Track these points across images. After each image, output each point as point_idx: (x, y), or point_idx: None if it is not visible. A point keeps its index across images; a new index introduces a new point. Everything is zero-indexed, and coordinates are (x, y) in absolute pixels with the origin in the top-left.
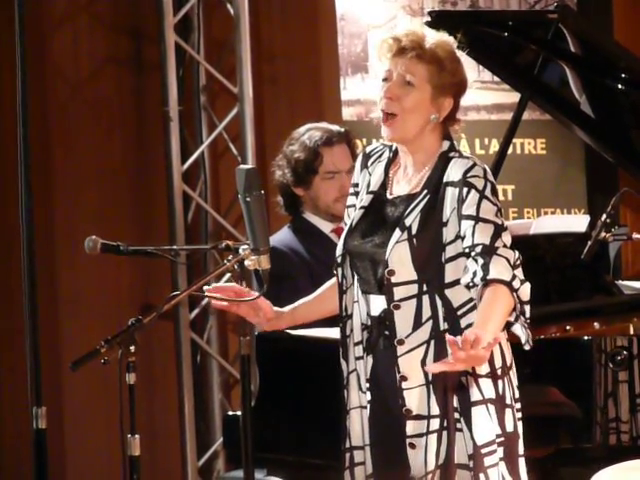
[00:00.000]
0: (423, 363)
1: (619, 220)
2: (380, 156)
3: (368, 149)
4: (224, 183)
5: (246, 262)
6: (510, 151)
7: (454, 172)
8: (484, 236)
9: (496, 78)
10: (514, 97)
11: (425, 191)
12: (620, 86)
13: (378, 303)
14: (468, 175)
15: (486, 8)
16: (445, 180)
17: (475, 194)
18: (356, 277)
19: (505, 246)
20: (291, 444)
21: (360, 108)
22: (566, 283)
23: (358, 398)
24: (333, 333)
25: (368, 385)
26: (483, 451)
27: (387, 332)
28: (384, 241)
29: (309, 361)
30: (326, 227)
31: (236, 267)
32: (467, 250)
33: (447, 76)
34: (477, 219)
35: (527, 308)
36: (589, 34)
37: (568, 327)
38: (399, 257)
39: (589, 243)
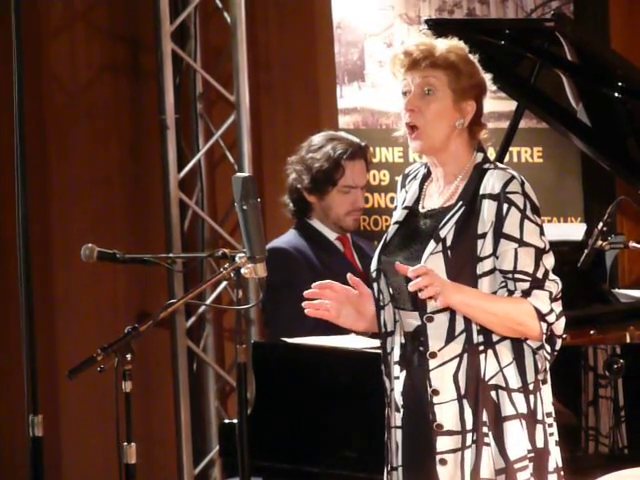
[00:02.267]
0: (455, 377)
1: (616, 228)
2: (416, 174)
3: (407, 170)
4: (220, 191)
5: (242, 270)
6: (507, 159)
7: (491, 184)
8: (527, 263)
9: (493, 86)
10: (511, 105)
11: (460, 203)
12: (617, 94)
13: (412, 319)
14: (507, 190)
15: (483, 16)
16: (482, 192)
17: (516, 213)
18: (391, 292)
19: (547, 275)
20: (287, 452)
21: (357, 116)
22: (562, 291)
23: (394, 418)
24: (328, 342)
25: (402, 403)
26: (516, 466)
27: (421, 348)
28: (418, 254)
29: (305, 369)
30: (331, 235)
31: (232, 275)
32: (509, 275)
33: (465, 79)
34: (520, 242)
35: (558, 341)
36: (586, 42)
37: (565, 335)
38: (433, 268)
39: (586, 251)
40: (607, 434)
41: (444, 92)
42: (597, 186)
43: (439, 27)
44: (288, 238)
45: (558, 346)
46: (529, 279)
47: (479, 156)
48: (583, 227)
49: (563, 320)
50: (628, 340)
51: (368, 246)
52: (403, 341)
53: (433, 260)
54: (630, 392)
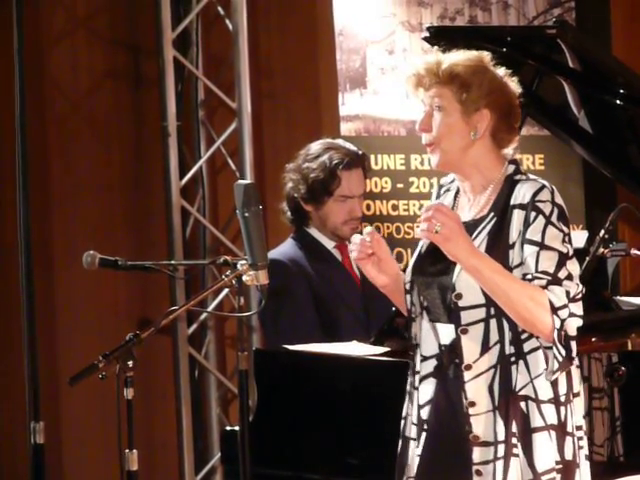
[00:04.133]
0: (491, 388)
1: (617, 236)
2: (450, 187)
3: (442, 180)
4: (222, 198)
5: (244, 277)
6: None
7: (522, 195)
8: (548, 265)
9: None
10: None
11: (492, 214)
12: (618, 102)
13: (447, 331)
14: (536, 199)
15: (485, 24)
16: (512, 203)
17: (541, 219)
18: (424, 304)
19: (569, 277)
20: (289, 459)
21: (359, 123)
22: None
23: (412, 429)
24: (330, 349)
25: (429, 414)
26: (543, 478)
27: (457, 360)
28: (451, 266)
29: (307, 376)
30: (329, 244)
31: (234, 282)
32: (529, 277)
33: (474, 89)
34: (541, 246)
35: (573, 344)
36: (587, 50)
37: None
38: (466, 280)
39: (587, 259)
40: (608, 442)
41: (452, 107)
42: (599, 193)
43: (441, 34)
44: (284, 249)
45: (574, 352)
46: (548, 277)
47: (510, 168)
48: (585, 234)
49: (577, 321)
50: (630, 348)
51: None
52: (435, 352)
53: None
54: (632, 400)
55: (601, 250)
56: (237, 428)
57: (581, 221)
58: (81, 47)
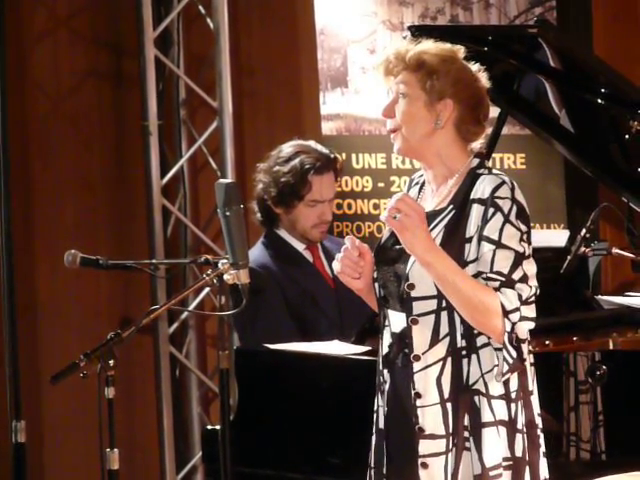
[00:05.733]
0: (439, 380)
1: (599, 235)
2: (419, 180)
3: (413, 175)
4: (203, 197)
5: (225, 276)
6: (489, 166)
7: (482, 189)
8: (503, 265)
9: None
10: (493, 112)
11: (451, 206)
12: (599, 101)
13: (399, 320)
14: (496, 195)
15: (466, 23)
16: (472, 197)
17: (499, 217)
18: (382, 293)
19: (524, 279)
20: (270, 459)
21: (340, 123)
22: (545, 298)
23: (382, 419)
24: (311, 348)
25: (384, 404)
26: (491, 474)
27: (407, 350)
28: (407, 255)
29: (288, 375)
30: (300, 246)
31: (215, 281)
32: (484, 276)
33: (441, 78)
34: (498, 244)
35: (524, 346)
36: (569, 49)
37: (547, 342)
38: (420, 271)
39: (568, 258)
40: (589, 440)
41: (416, 94)
42: (580, 192)
43: (422, 33)
44: (255, 256)
45: (525, 354)
46: (502, 279)
47: (475, 161)
48: (566, 233)
49: (528, 324)
50: (611, 347)
51: (339, 246)
52: (390, 341)
53: None
54: (612, 398)
55: (582, 249)
56: (218, 427)
57: (562, 220)
58: (62, 46)
